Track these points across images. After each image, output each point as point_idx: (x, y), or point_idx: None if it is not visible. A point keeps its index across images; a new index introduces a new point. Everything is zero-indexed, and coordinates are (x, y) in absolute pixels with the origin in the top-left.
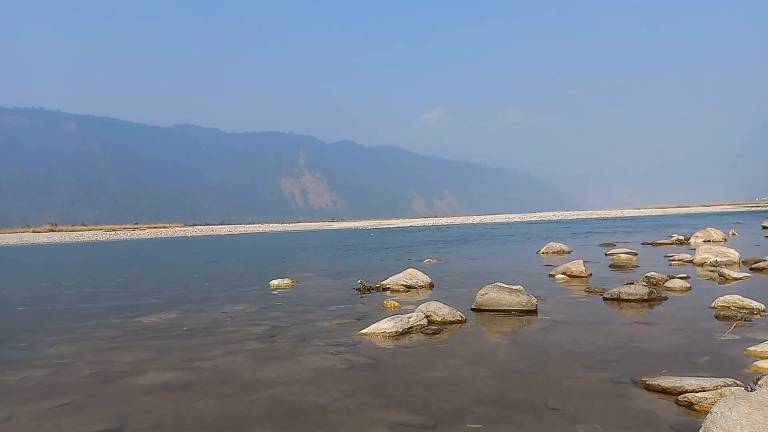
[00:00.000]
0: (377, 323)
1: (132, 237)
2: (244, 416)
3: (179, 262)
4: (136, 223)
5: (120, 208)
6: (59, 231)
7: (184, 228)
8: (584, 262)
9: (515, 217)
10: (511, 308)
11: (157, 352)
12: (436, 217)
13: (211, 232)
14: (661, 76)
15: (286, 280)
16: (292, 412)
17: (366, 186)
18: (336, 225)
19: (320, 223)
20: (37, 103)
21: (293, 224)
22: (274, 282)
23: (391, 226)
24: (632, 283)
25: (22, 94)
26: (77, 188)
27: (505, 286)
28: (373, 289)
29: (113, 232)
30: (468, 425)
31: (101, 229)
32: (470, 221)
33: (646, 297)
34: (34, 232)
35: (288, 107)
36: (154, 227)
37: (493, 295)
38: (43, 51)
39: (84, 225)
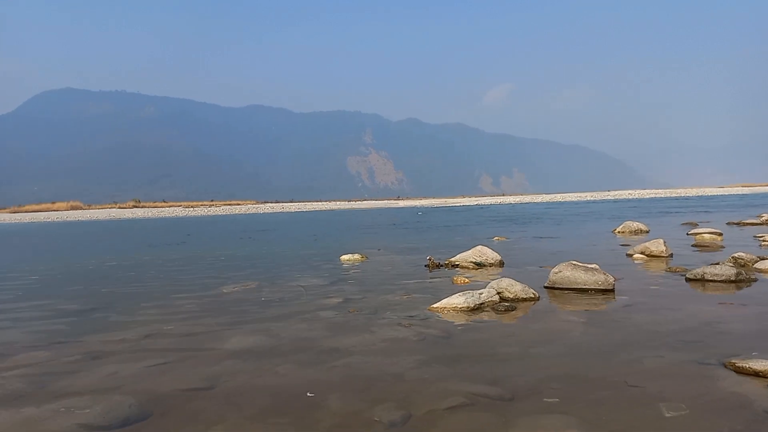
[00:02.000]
0: (448, 298)
1: (208, 213)
2: (324, 381)
3: (253, 238)
4: (212, 200)
5: (197, 186)
6: (142, 207)
7: (256, 205)
8: (664, 241)
9: (587, 196)
10: (587, 287)
11: (238, 319)
12: (503, 195)
13: (281, 210)
14: (738, 50)
15: (356, 256)
16: (369, 379)
17: (431, 164)
18: (401, 203)
19: (386, 201)
20: (120, 86)
21: (359, 202)
22: (345, 257)
23: (458, 204)
24: (718, 264)
25: (106, 77)
26: (158, 167)
27: (580, 264)
28: (441, 266)
29: (191, 209)
30: (545, 399)
31: (180, 205)
32: (539, 200)
33: (733, 278)
34: (120, 208)
35: (354, 86)
36: (228, 204)
37: (567, 273)
38: (126, 35)
39: (164, 202)
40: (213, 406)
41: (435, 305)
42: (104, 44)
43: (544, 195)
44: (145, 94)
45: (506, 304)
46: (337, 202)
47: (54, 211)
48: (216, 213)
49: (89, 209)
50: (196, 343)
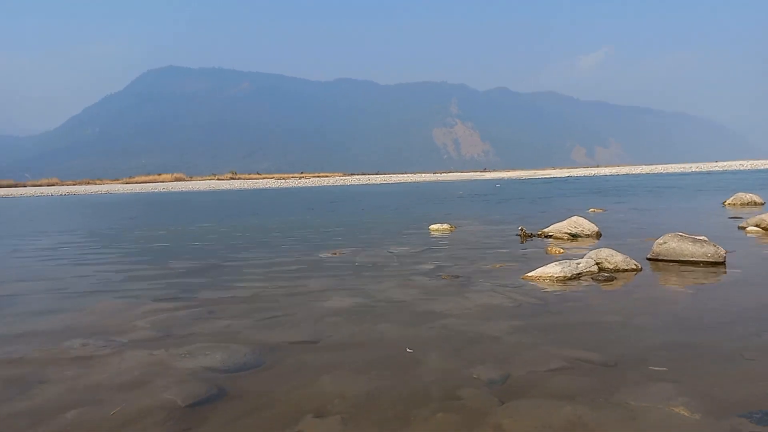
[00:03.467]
0: (543, 267)
1: (298, 185)
2: (422, 340)
3: (345, 208)
4: (302, 173)
5: (288, 159)
6: (238, 179)
7: (344, 177)
8: None
9: (692, 167)
10: (695, 259)
11: (336, 281)
12: (598, 167)
13: (368, 182)
14: None
15: (445, 226)
16: (466, 340)
17: (520, 135)
18: (488, 175)
19: (472, 173)
20: (217, 63)
21: (445, 174)
22: (434, 227)
23: (547, 176)
24: None
25: (204, 54)
26: (253, 142)
27: (687, 235)
28: (533, 236)
29: (283, 181)
30: (651, 367)
31: (273, 177)
32: (638, 171)
33: None
34: (218, 179)
35: (440, 57)
36: (317, 176)
37: (673, 244)
38: (219, 11)
39: (258, 174)
40: (319, 357)
41: (530, 274)
42: (201, 21)
43: (644, 166)
44: (239, 70)
45: (606, 274)
46: (423, 174)
47: (160, 182)
48: (306, 185)
49: (191, 180)
50: (299, 301)
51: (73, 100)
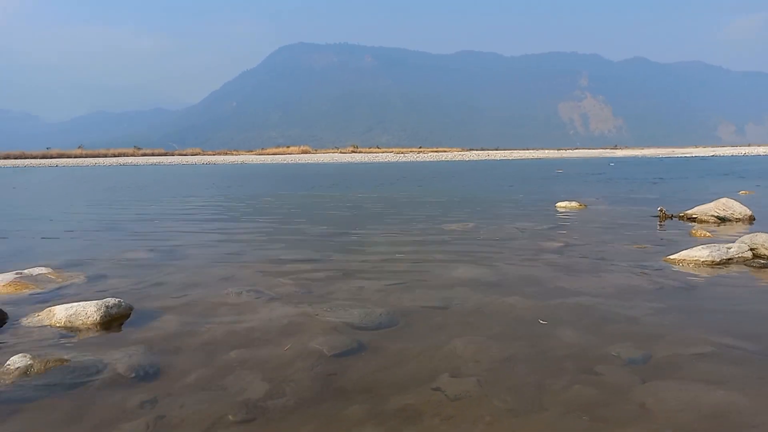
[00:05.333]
0: (688, 250)
1: (417, 159)
2: (554, 314)
3: (462, 182)
4: (420, 147)
5: (407, 134)
6: (359, 152)
7: (462, 152)
8: None
9: None
10: None
11: (462, 253)
12: (749, 146)
13: (487, 157)
14: None
15: (574, 203)
16: (602, 318)
17: (657, 109)
18: (619, 153)
19: (601, 150)
20: (343, 38)
21: (570, 151)
22: (561, 204)
23: (688, 155)
24: None
25: (332, 30)
26: (373, 116)
27: None
28: (674, 218)
29: (401, 155)
30: None
31: (392, 151)
32: None
33: None
34: (341, 153)
35: (570, 25)
36: (435, 151)
37: None
38: None
39: (378, 147)
40: (450, 322)
41: (672, 256)
42: None
43: None
44: (363, 45)
45: (762, 261)
46: (546, 151)
47: (288, 154)
48: (424, 159)
49: (316, 153)
50: (426, 269)
51: (214, 76)
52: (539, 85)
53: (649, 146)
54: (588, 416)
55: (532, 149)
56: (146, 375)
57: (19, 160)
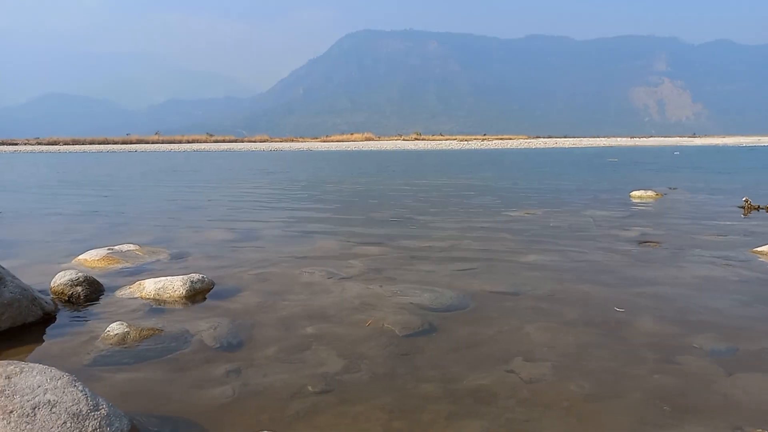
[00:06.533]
0: None
1: (481, 147)
2: (631, 303)
3: (527, 170)
4: (484, 134)
5: (472, 120)
6: (423, 140)
7: (528, 140)
8: None
9: None
10: None
11: (530, 240)
12: None
13: (555, 145)
14: None
15: (650, 192)
16: (682, 309)
17: (743, 95)
18: (697, 141)
19: (678, 138)
20: (408, 25)
21: (645, 139)
22: (636, 193)
23: None
24: None
25: (397, 16)
26: (438, 103)
27: None
28: (761, 209)
29: (465, 142)
30: None
31: (455, 139)
32: None
33: None
34: (404, 140)
35: (648, 5)
36: (500, 138)
37: None
38: None
39: (441, 135)
40: (522, 307)
41: (759, 248)
42: None
43: None
44: (429, 30)
45: None
46: (618, 139)
47: (352, 141)
48: (488, 147)
49: (379, 140)
50: (494, 255)
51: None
52: (612, 69)
53: (731, 134)
54: (668, 405)
55: (603, 137)
56: (230, 345)
57: (101, 145)
